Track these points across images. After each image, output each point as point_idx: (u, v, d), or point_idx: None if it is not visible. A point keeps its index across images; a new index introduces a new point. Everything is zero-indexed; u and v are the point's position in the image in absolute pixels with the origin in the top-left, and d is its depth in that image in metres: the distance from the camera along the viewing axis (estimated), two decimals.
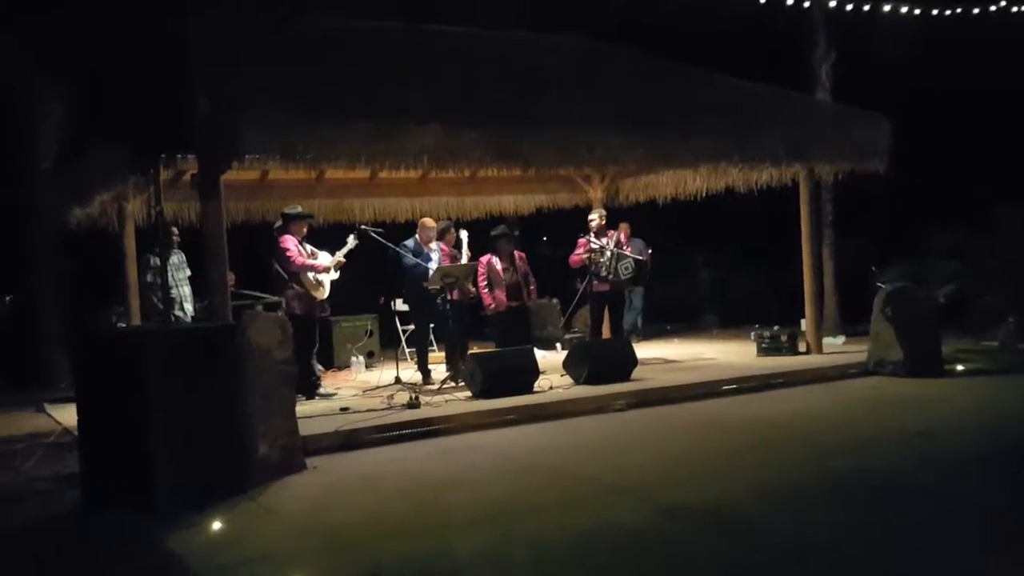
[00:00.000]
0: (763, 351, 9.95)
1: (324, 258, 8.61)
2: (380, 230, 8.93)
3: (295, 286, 8.32)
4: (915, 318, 8.82)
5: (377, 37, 8.66)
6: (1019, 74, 13.71)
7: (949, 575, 3.62)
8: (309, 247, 8.57)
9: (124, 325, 9.17)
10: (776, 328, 10.24)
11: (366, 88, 7.40)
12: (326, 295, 8.60)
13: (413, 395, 7.61)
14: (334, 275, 8.65)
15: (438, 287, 8.57)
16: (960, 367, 8.96)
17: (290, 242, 8.35)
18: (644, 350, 10.33)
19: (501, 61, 8.84)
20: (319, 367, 10.11)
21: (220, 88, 6.23)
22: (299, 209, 8.69)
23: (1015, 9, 11.70)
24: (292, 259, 8.27)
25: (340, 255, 8.66)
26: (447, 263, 8.97)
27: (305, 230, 8.61)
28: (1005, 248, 11.06)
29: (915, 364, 8.58)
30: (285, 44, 7.85)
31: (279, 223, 8.65)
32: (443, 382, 8.61)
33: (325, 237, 9.55)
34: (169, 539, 4.53)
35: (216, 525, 4.75)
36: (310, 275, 8.36)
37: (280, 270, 8.30)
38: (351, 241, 8.75)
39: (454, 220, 9.84)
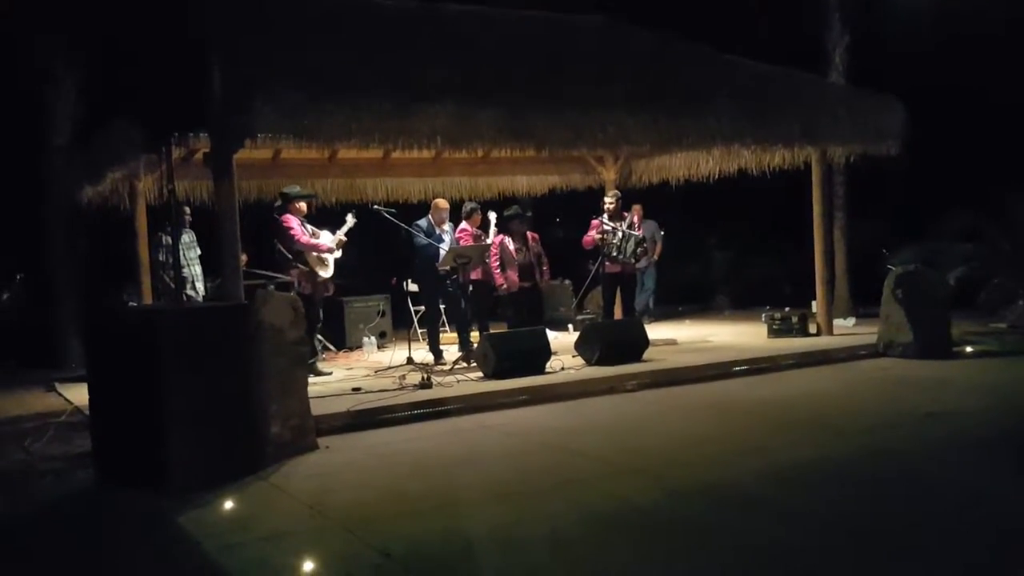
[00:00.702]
0: (774, 333, 9.94)
1: (325, 237, 8.67)
2: (393, 210, 8.94)
3: (299, 265, 8.37)
4: (925, 300, 8.81)
5: (393, 15, 8.64)
6: None
7: (965, 554, 3.62)
8: (311, 227, 8.63)
9: (135, 304, 9.21)
10: (787, 310, 10.23)
11: (380, 67, 7.37)
12: (330, 274, 8.66)
13: (425, 375, 7.63)
14: (336, 254, 8.72)
15: (450, 268, 8.57)
16: (969, 349, 8.96)
17: (293, 221, 8.41)
18: (656, 331, 10.32)
19: (518, 41, 8.81)
20: (330, 347, 10.21)
21: (234, 66, 6.21)
22: (297, 189, 8.76)
23: None
24: (296, 238, 8.31)
25: (340, 234, 8.76)
26: (469, 244, 8.97)
27: (305, 209, 8.66)
28: (1017, 232, 11.00)
29: (925, 346, 8.58)
30: (300, 22, 7.81)
31: (278, 203, 8.71)
32: (455, 362, 8.63)
33: (339, 217, 9.56)
34: (181, 518, 4.57)
35: (228, 504, 4.79)
36: (314, 254, 8.41)
37: (283, 250, 8.34)
38: (350, 220, 8.85)
39: (479, 202, 9.82)
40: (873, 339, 9.08)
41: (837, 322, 10.43)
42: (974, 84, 13.72)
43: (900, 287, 8.87)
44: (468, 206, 9.41)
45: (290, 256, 8.33)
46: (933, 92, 12.92)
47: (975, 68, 13.75)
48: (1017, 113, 13.64)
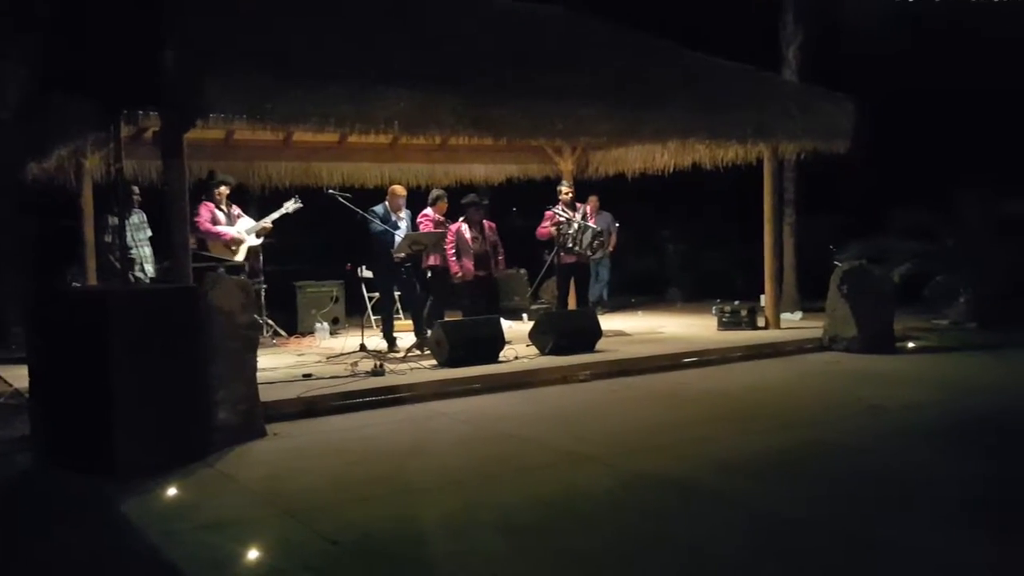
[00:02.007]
0: (723, 325, 10.08)
1: (243, 224, 9.02)
2: (348, 195, 8.86)
3: (202, 251, 8.61)
4: (870, 296, 9.00)
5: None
6: (986, 62, 13.90)
7: (905, 542, 3.71)
8: (237, 209, 9.05)
9: (79, 285, 9.00)
10: (736, 303, 10.36)
11: (339, 50, 7.29)
12: (241, 261, 9.00)
13: (378, 363, 7.58)
14: (254, 241, 8.99)
15: (405, 254, 8.52)
16: (911, 344, 9.20)
17: (203, 208, 8.86)
18: (609, 322, 10.40)
19: (479, 29, 8.75)
20: (281, 332, 10.11)
21: (188, 43, 6.08)
22: (218, 176, 9.10)
23: None
24: (198, 224, 8.71)
25: (268, 220, 8.96)
26: (428, 229, 8.95)
27: (225, 193, 9.08)
28: (963, 229, 11.27)
29: (869, 340, 8.77)
30: (260, 1, 7.68)
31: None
32: (408, 350, 8.59)
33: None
34: (125, 504, 4.48)
35: (173, 490, 4.71)
36: (219, 241, 8.74)
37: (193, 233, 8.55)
38: (288, 206, 8.95)
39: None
40: (819, 333, 9.26)
41: (784, 316, 10.61)
42: (925, 82, 14.04)
43: (845, 283, 9.06)
44: (434, 193, 9.37)
45: (193, 241, 8.48)
46: (884, 90, 13.19)
47: (926, 67, 14.06)
48: (966, 111, 14.01)
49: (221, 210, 9.13)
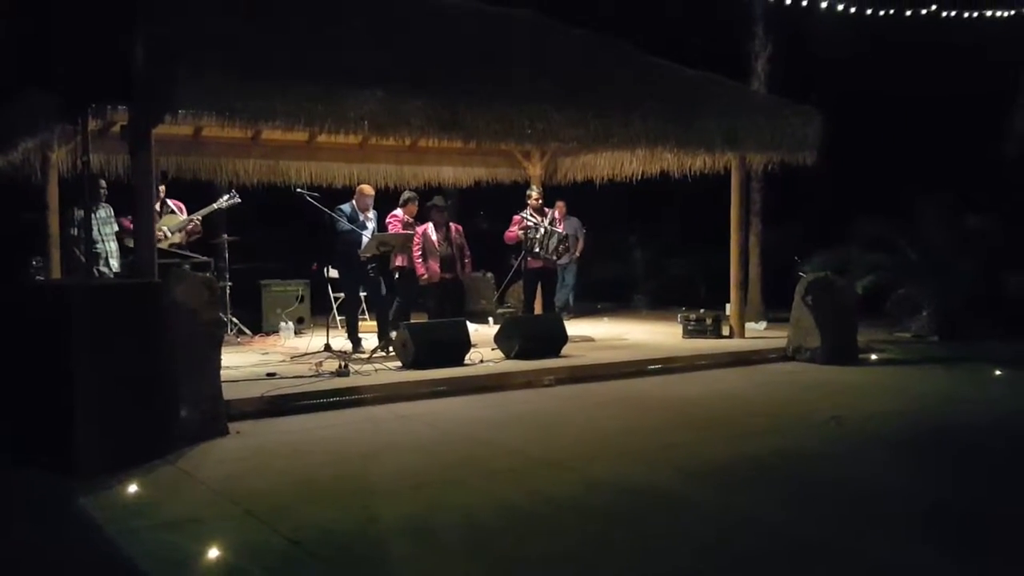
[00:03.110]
0: (688, 333, 10.16)
1: (171, 219, 9.14)
2: (316, 194, 8.83)
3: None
4: (834, 307, 9.10)
5: None
6: (945, 75, 14.19)
7: (860, 550, 3.78)
8: (173, 204, 9.13)
9: (42, 279, 8.88)
10: (702, 311, 10.45)
11: (311, 49, 7.25)
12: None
13: (342, 363, 7.55)
14: (175, 237, 9.08)
15: (372, 255, 8.50)
16: (874, 356, 9.30)
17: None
18: (574, 327, 10.45)
19: (451, 31, 8.76)
20: (246, 331, 10.04)
21: (158, 37, 6.03)
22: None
23: (944, 14, 12.10)
24: (121, 220, 8.86)
25: (197, 215, 9.14)
26: (395, 230, 8.94)
27: (163, 190, 9.11)
28: (924, 241, 11.44)
29: (832, 352, 8.86)
30: None
31: None
32: (373, 351, 8.57)
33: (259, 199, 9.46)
34: (85, 502, 4.43)
35: (134, 488, 4.66)
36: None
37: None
38: (223, 202, 8.95)
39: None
40: (783, 343, 9.36)
41: (749, 325, 10.71)
42: (888, 94, 14.31)
43: (810, 293, 9.15)
44: (405, 194, 9.36)
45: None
46: (849, 101, 13.41)
47: (889, 78, 14.33)
48: (928, 123, 14.29)
49: (163, 202, 9.10)
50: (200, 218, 9.15)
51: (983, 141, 13.59)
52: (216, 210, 9.14)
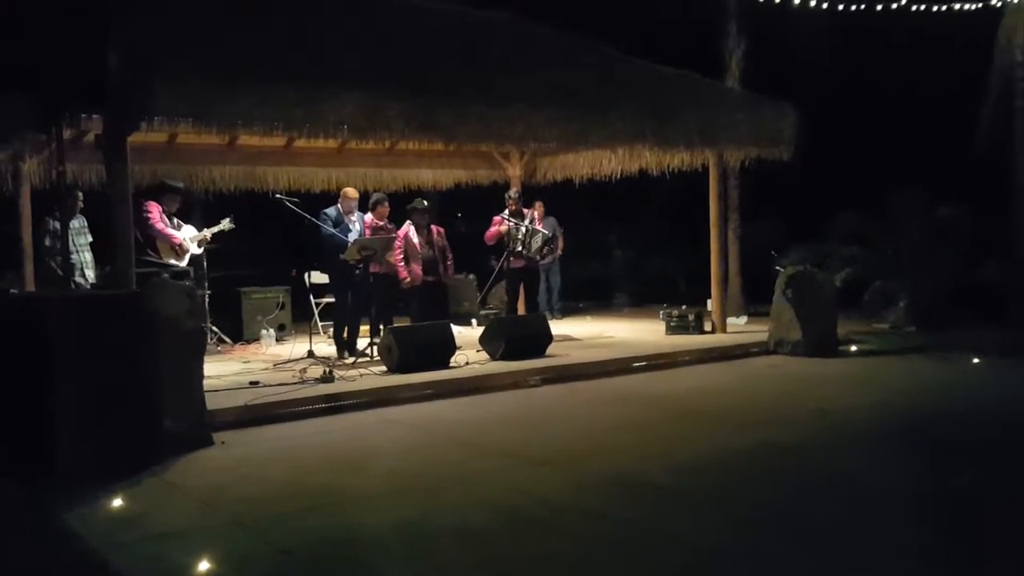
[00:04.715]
0: (671, 330, 10.19)
1: (187, 232, 8.94)
2: (296, 200, 8.77)
3: (149, 252, 8.44)
4: (814, 300, 9.19)
5: (303, 1, 8.42)
6: (919, 68, 14.36)
7: (857, 542, 3.80)
8: (176, 220, 8.95)
9: (16, 291, 8.74)
10: (684, 308, 10.49)
11: (289, 53, 7.20)
12: (183, 264, 8.88)
13: (327, 369, 7.50)
14: (195, 249, 8.96)
15: (355, 259, 8.45)
16: (854, 348, 9.40)
17: (154, 208, 8.66)
18: (558, 327, 10.44)
19: (429, 32, 8.73)
20: (226, 339, 9.95)
21: (133, 43, 5.94)
22: (181, 184, 9.02)
23: (914, 8, 12.23)
24: (152, 223, 8.55)
25: (208, 232, 9.06)
26: (368, 235, 8.88)
27: (175, 206, 8.99)
28: (899, 234, 11.55)
29: (813, 344, 8.94)
30: (206, 2, 7.55)
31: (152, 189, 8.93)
32: (359, 355, 8.52)
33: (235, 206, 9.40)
34: (70, 514, 4.36)
35: (118, 500, 4.58)
36: (167, 244, 8.65)
37: (138, 234, 8.28)
38: (225, 223, 9.05)
39: (386, 193, 9.81)
40: (764, 337, 9.42)
41: (730, 320, 10.76)
42: (863, 90, 14.44)
43: (790, 287, 9.23)
44: (374, 197, 9.29)
45: (142, 240, 8.32)
46: (824, 97, 13.51)
47: (864, 75, 14.46)
48: (902, 118, 14.44)
49: (166, 215, 8.97)
50: (210, 235, 9.16)
51: (953, 136, 13.74)
52: (223, 231, 9.22)
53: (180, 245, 8.83)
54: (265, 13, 7.80)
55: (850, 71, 15.11)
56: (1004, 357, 8.51)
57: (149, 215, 8.56)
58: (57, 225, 8.62)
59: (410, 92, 7.46)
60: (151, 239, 8.55)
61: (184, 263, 8.84)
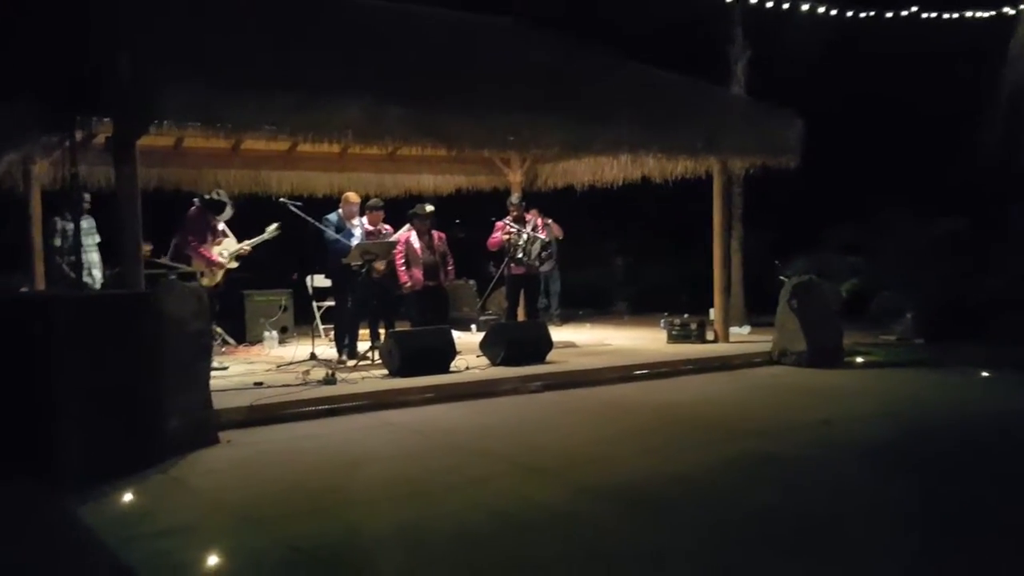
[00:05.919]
0: (673, 338, 10.20)
1: (228, 244, 8.86)
2: (299, 203, 8.82)
3: (174, 262, 8.55)
4: (819, 311, 9.13)
5: (308, 7, 8.50)
6: (919, 81, 14.43)
7: (859, 552, 3.82)
8: (221, 226, 8.86)
9: (27, 290, 8.79)
10: (686, 316, 10.49)
11: (294, 58, 7.26)
12: (215, 282, 8.78)
13: (329, 371, 7.54)
14: (231, 264, 8.91)
15: (357, 264, 8.49)
16: (860, 359, 9.28)
17: (199, 216, 8.66)
18: (558, 334, 10.46)
19: (432, 39, 8.80)
20: (229, 340, 10.00)
21: (142, 48, 6.01)
22: (226, 200, 8.96)
23: (924, 15, 12.25)
24: (190, 240, 8.56)
25: (248, 244, 8.95)
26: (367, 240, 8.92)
27: (221, 222, 8.92)
28: (900, 247, 11.55)
29: (817, 355, 8.88)
30: (213, 8, 7.62)
31: (207, 198, 8.89)
32: (360, 358, 8.56)
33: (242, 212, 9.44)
34: (80, 511, 4.39)
35: (127, 498, 4.63)
36: (204, 260, 8.65)
37: (179, 242, 8.51)
38: (270, 231, 8.89)
39: (385, 200, 9.85)
40: (768, 347, 9.39)
41: (733, 329, 10.76)
42: (864, 101, 14.49)
43: (795, 297, 9.16)
44: (369, 203, 9.30)
45: (180, 248, 8.44)
46: (820, 107, 13.56)
47: (865, 85, 14.51)
48: (901, 130, 14.49)
49: (211, 228, 8.84)
50: (250, 247, 9.03)
51: (952, 151, 13.80)
52: (265, 240, 9.09)
53: (217, 262, 8.73)
54: (271, 19, 7.87)
55: (849, 81, 15.18)
56: (1017, 371, 8.39)
57: (192, 230, 8.57)
58: (68, 226, 8.70)
59: (412, 97, 7.51)
60: (177, 247, 8.62)
61: (219, 278, 8.77)
